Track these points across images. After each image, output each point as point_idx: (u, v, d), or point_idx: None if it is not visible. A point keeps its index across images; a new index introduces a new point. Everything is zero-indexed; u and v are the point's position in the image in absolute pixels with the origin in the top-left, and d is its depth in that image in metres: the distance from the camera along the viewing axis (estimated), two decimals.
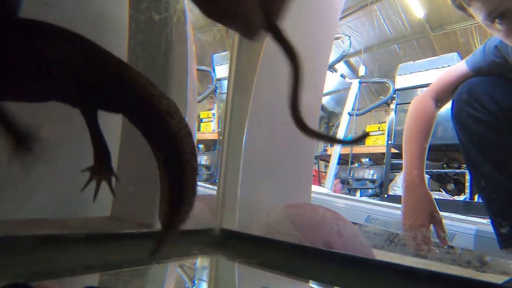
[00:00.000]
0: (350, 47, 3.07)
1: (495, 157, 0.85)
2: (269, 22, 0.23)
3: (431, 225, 0.85)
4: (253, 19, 0.22)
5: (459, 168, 2.49)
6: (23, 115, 0.29)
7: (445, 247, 0.95)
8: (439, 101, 0.95)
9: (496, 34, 0.79)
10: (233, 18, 0.22)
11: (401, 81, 2.76)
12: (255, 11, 0.22)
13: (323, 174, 3.55)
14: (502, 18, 0.71)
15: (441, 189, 2.52)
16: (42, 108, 0.32)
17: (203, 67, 3.47)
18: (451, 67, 1.16)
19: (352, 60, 4.36)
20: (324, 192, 2.34)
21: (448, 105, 0.97)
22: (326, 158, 3.47)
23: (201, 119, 3.67)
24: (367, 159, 3.16)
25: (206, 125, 3.66)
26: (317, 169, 3.53)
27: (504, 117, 0.83)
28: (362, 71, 3.36)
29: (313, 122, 0.96)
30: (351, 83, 3.24)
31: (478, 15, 0.75)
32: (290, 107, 0.24)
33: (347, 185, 3.21)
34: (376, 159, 3.13)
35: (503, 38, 0.76)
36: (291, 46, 0.24)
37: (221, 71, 3.42)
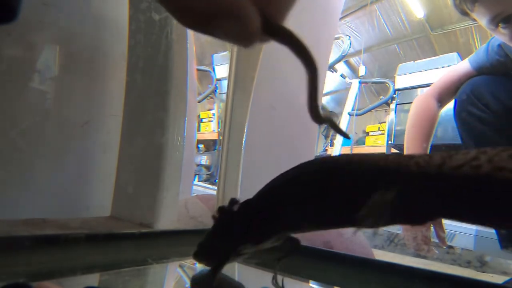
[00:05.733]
0: (350, 47, 3.07)
1: None
2: (270, 25, 0.18)
3: (431, 225, 0.85)
4: (248, 23, 0.16)
5: None
6: (24, 116, 0.29)
7: (444, 247, 0.95)
8: (441, 100, 0.95)
9: (500, 38, 0.79)
10: (220, 25, 0.16)
11: (401, 81, 2.76)
12: (250, 14, 0.16)
13: None
14: (505, 22, 0.71)
15: None
16: (45, 111, 0.32)
17: (203, 67, 3.47)
18: (454, 66, 1.16)
19: (352, 60, 4.37)
20: None
21: (449, 105, 0.97)
22: None
23: (201, 119, 3.67)
24: None
25: (206, 125, 3.66)
26: None
27: (507, 116, 0.83)
28: (362, 71, 3.36)
29: (313, 122, 0.96)
30: (351, 83, 3.24)
31: (482, 19, 0.75)
32: (309, 104, 0.24)
33: None
34: None
35: (508, 42, 0.76)
36: (302, 45, 0.22)
37: (221, 71, 3.42)
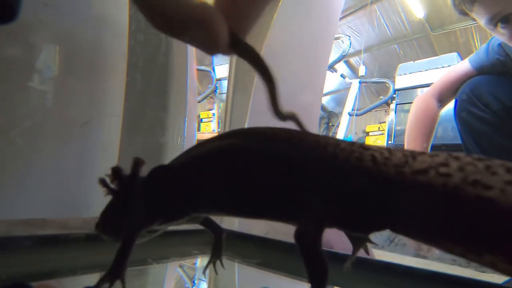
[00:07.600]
0: (350, 47, 3.07)
1: (497, 156, 0.85)
2: (236, 39, 0.19)
3: None
4: (217, 35, 0.18)
5: None
6: (24, 116, 0.29)
7: None
8: (442, 100, 0.95)
9: (499, 37, 0.79)
10: (190, 32, 0.17)
11: (401, 81, 2.76)
12: (220, 27, 0.18)
13: None
14: (504, 22, 0.72)
15: None
16: (45, 111, 0.32)
17: (203, 67, 3.47)
18: (454, 66, 1.16)
19: (352, 60, 4.37)
20: None
21: (449, 105, 0.97)
22: None
23: (201, 119, 3.67)
24: None
25: (206, 125, 3.66)
26: None
27: (507, 116, 0.83)
28: (362, 71, 3.36)
29: (313, 122, 0.96)
30: (351, 83, 3.24)
31: (481, 19, 0.75)
32: (272, 108, 0.26)
33: None
34: None
35: (507, 41, 0.77)
36: (263, 62, 0.22)
37: (221, 71, 3.42)
